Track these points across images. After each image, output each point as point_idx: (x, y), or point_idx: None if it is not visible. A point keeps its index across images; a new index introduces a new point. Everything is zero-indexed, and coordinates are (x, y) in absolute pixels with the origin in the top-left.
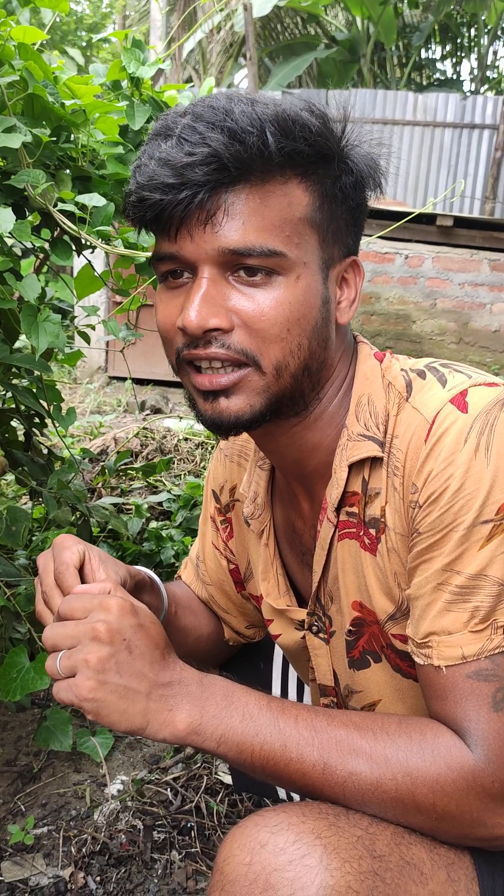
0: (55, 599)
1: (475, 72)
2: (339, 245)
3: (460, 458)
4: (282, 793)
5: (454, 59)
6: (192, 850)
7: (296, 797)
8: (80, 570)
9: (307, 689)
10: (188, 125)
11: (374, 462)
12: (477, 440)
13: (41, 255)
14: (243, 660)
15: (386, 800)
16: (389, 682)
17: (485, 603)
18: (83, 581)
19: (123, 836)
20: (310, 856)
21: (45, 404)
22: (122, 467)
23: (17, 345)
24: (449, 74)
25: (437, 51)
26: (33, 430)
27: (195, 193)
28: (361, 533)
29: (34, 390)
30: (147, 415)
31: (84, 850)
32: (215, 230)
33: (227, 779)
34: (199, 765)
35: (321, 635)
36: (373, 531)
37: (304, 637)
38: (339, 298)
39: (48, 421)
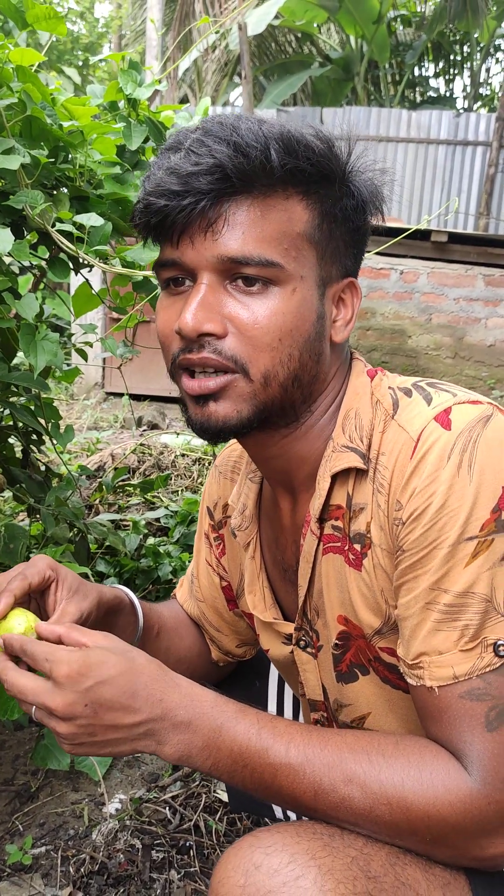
0: None
1: (468, 89)
2: (337, 265)
3: (443, 475)
4: (278, 812)
5: (447, 77)
6: (191, 869)
7: (292, 815)
8: (45, 594)
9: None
10: (197, 139)
11: (358, 476)
12: (460, 457)
13: (37, 273)
14: (238, 678)
15: (380, 823)
16: (379, 693)
17: (473, 621)
18: (45, 609)
19: (122, 856)
20: (304, 877)
21: (42, 422)
22: (120, 484)
23: (14, 362)
24: (442, 92)
25: (430, 68)
26: (31, 447)
27: (198, 201)
28: (346, 548)
29: (32, 408)
30: (144, 430)
31: (83, 869)
32: (216, 238)
33: (226, 797)
34: (197, 783)
35: (309, 650)
36: (358, 547)
37: (292, 651)
38: (334, 317)
39: (45, 438)
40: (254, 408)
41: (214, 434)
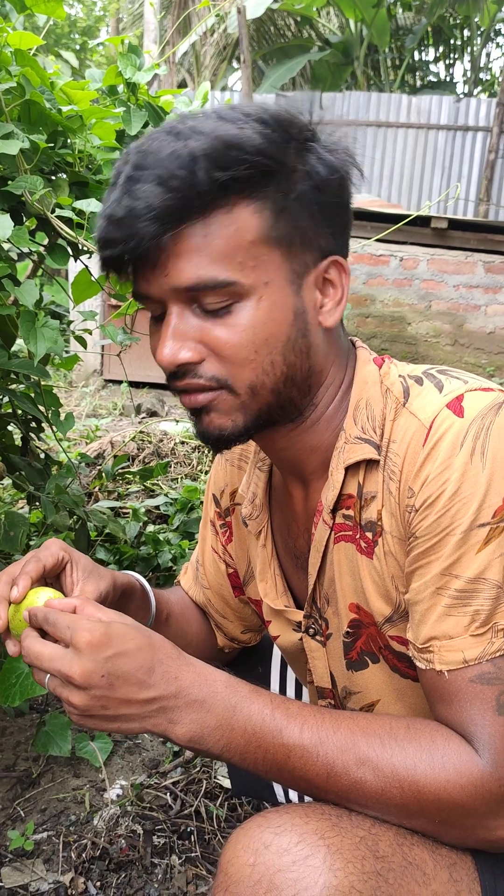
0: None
1: (468, 74)
2: (310, 251)
3: (456, 461)
4: (280, 796)
5: (447, 62)
6: (192, 854)
7: (293, 797)
8: (61, 577)
9: (305, 690)
10: (128, 176)
11: (370, 465)
12: (473, 444)
13: (36, 259)
14: (240, 663)
15: (391, 805)
16: (388, 682)
17: (484, 606)
18: (62, 591)
19: (123, 841)
20: (313, 856)
21: (42, 409)
22: (120, 471)
23: (14, 349)
24: (442, 76)
25: (430, 53)
26: (30, 434)
27: (137, 245)
28: (358, 536)
29: (32, 395)
30: (143, 418)
31: (84, 855)
32: (165, 273)
33: (227, 783)
34: (198, 769)
35: (318, 638)
36: (369, 534)
37: (301, 639)
38: (320, 303)
39: (45, 425)
40: (247, 416)
41: (215, 442)
